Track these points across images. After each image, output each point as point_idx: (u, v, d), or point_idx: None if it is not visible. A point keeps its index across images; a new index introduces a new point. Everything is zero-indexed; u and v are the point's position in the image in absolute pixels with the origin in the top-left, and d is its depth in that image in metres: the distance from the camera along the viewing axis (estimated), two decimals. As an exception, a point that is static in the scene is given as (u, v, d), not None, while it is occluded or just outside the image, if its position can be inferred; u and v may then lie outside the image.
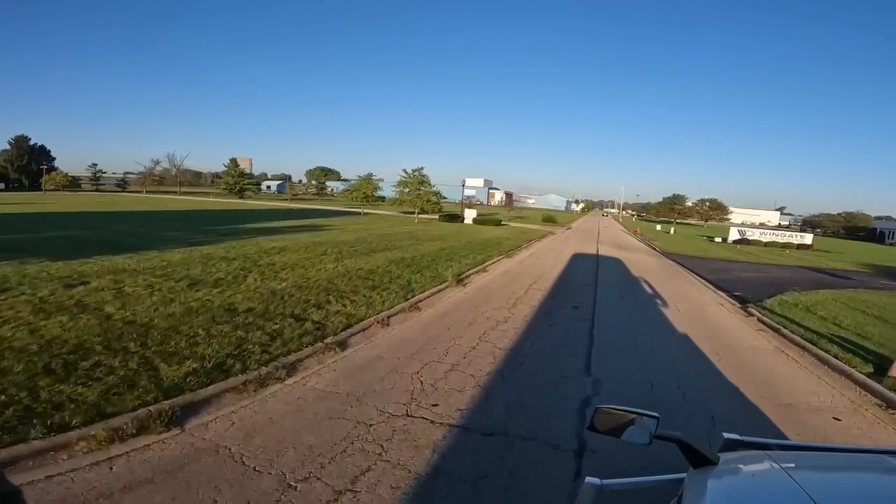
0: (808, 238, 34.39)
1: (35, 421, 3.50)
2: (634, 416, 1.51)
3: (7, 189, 68.26)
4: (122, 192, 77.33)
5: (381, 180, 37.98)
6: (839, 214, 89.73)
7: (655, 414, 1.49)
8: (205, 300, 7.48)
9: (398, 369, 5.44)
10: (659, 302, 10.63)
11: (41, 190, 65.35)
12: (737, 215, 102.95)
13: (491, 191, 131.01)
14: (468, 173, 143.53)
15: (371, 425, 4.00)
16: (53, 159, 77.92)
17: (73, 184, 75.62)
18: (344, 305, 7.83)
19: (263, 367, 4.98)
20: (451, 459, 3.56)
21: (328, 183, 68.68)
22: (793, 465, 1.34)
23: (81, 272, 9.04)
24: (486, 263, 14.28)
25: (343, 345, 6.18)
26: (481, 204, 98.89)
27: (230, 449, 3.49)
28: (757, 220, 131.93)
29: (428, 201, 30.45)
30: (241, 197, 64.45)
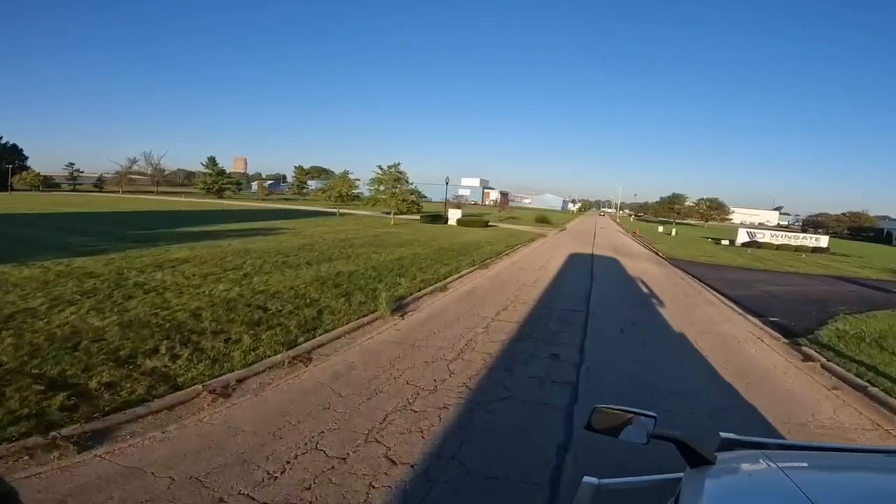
0: (823, 240, 31.38)
1: None
2: (632, 415, 1.54)
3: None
4: (99, 192, 73.99)
5: (359, 180, 34.86)
6: (843, 214, 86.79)
7: (653, 413, 1.53)
8: None
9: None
10: (676, 339, 7.59)
11: (8, 190, 61.96)
12: (736, 215, 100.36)
13: (486, 190, 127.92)
14: (465, 173, 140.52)
15: None
16: (26, 158, 74.51)
17: (48, 183, 72.26)
18: (159, 364, 4.71)
19: None
20: None
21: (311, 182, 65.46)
22: (790, 464, 1.33)
23: None
24: (450, 279, 11.22)
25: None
26: (475, 204, 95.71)
27: None
28: (756, 220, 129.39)
29: (403, 200, 27.28)
30: (221, 197, 61.20)
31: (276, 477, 3.18)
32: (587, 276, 13.47)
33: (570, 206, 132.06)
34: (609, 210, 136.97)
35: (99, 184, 78.16)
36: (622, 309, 9.54)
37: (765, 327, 8.97)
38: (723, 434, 1.56)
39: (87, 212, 28.50)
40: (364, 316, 7.38)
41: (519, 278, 12.18)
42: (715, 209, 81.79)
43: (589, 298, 10.19)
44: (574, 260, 17.27)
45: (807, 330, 8.48)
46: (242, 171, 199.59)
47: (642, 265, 17.47)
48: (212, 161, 61.95)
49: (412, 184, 29.00)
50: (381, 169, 28.13)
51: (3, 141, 72.78)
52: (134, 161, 72.18)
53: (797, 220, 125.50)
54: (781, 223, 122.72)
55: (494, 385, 5.09)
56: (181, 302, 7.16)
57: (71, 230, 16.87)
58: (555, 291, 10.78)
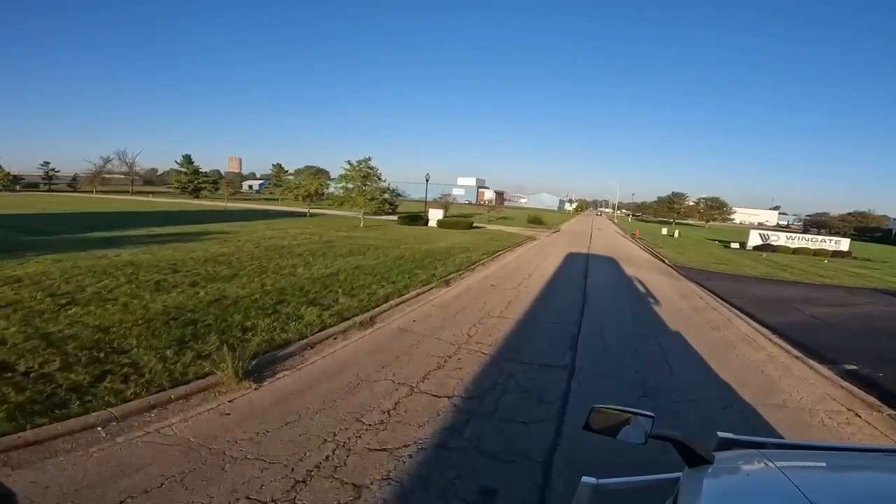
0: (843, 243, 28.19)
1: None
2: (630, 415, 1.50)
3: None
4: (74, 192, 70.47)
5: (333, 179, 31.53)
6: (850, 214, 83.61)
7: (650, 413, 1.49)
8: None
9: None
10: (718, 421, 4.42)
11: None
12: (736, 215, 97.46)
13: (481, 189, 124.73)
14: (463, 172, 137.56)
15: None
16: (-6, 157, 71.04)
17: (25, 184, 68.83)
18: None
19: None
20: None
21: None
22: (788, 463, 1.32)
23: None
24: (387, 305, 8.06)
25: None
26: (468, 203, 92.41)
27: None
28: (756, 220, 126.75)
29: (372, 199, 23.96)
30: (197, 197, 57.74)
31: None
32: (577, 296, 10.32)
33: (567, 206, 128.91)
34: (606, 210, 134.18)
35: (73, 183, 74.67)
36: (625, 356, 6.35)
37: (844, 383, 5.85)
38: (720, 434, 1.55)
39: (23, 213, 25.13)
40: (181, 384, 4.22)
41: (485, 303, 8.99)
42: (716, 209, 78.70)
43: (577, 339, 7.02)
44: (563, 272, 14.11)
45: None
46: (237, 170, 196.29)
47: (647, 277, 14.31)
48: (187, 159, 58.45)
49: (385, 181, 25.68)
50: (349, 165, 24.85)
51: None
52: (108, 160, 68.49)
53: (798, 220, 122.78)
54: (781, 223, 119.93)
55: None
56: None
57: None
58: (529, 326, 7.61)
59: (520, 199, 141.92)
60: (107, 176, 70.17)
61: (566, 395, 4.92)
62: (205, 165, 58.89)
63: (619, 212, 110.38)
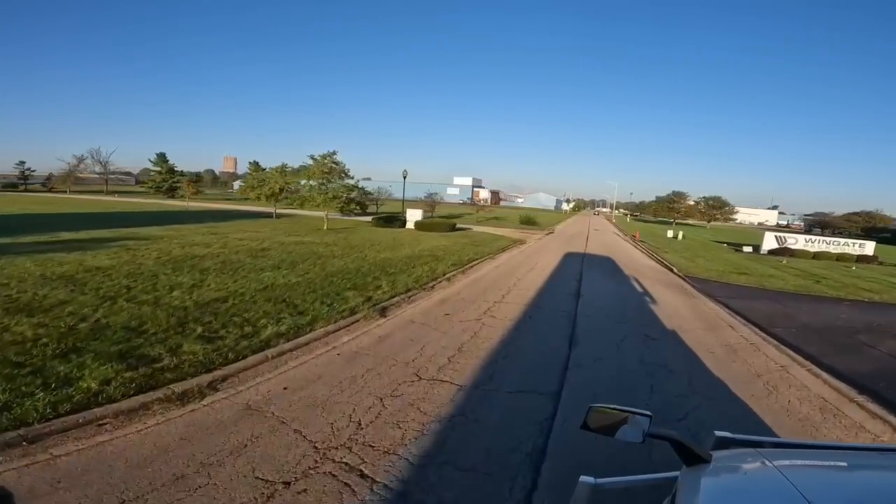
0: (868, 247, 25.18)
1: None
2: (627, 414, 1.49)
3: None
4: (48, 192, 67.25)
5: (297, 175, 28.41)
6: (856, 214, 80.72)
7: (648, 412, 1.47)
8: None
9: None
10: None
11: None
12: (739, 215, 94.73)
13: (476, 189, 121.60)
14: (459, 172, 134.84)
15: None
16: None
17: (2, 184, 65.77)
18: None
19: None
20: None
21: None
22: (785, 462, 1.30)
23: None
24: (255, 358, 5.07)
25: None
26: (463, 203, 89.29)
27: None
28: (756, 220, 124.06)
29: (334, 198, 20.88)
30: (173, 197, 54.59)
31: None
32: (564, 329, 7.34)
33: (564, 206, 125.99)
34: (604, 210, 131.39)
35: (47, 183, 71.45)
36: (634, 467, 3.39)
37: None
38: (718, 433, 1.54)
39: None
40: None
41: (422, 350, 6.01)
42: (717, 208, 75.84)
43: (550, 430, 4.05)
44: (551, 288, 11.12)
45: None
46: (232, 170, 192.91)
47: (655, 293, 11.33)
48: (161, 158, 55.39)
49: (353, 178, 22.61)
50: (313, 159, 21.81)
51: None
52: (81, 159, 65.11)
53: (797, 220, 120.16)
54: (780, 223, 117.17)
55: None
56: None
57: None
58: (475, 401, 4.61)
59: (517, 198, 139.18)
60: (81, 175, 66.71)
61: None
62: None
63: (616, 211, 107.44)
